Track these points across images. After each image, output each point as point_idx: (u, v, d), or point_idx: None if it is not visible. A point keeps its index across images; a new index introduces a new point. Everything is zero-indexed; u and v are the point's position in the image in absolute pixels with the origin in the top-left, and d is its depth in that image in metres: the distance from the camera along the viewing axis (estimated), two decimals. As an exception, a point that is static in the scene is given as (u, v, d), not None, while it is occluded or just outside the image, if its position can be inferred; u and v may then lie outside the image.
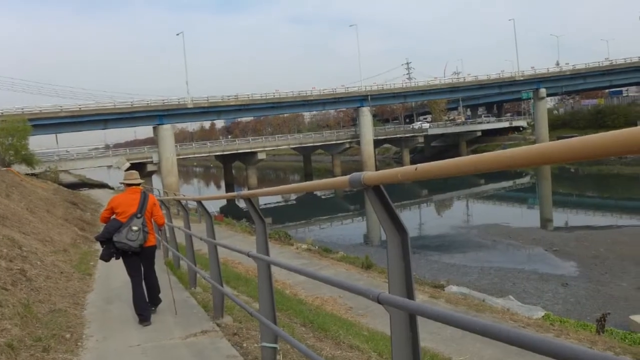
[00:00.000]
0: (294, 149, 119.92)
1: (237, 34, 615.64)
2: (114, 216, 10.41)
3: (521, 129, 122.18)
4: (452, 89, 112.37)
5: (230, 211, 52.02)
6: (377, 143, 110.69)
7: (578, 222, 43.30)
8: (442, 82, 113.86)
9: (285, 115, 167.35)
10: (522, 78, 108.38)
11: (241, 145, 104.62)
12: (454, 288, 20.37)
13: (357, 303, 15.28)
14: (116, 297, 12.41)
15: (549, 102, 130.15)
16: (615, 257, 29.06)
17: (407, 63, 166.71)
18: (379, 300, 2.99)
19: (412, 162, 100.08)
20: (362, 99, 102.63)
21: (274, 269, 6.76)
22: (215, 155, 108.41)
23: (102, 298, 12.60)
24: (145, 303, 10.46)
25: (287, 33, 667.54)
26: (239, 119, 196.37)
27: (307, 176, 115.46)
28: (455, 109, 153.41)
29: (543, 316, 16.35)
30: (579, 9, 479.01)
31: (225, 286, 11.45)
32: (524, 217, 50.13)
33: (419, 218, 54.59)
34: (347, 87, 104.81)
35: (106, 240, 10.15)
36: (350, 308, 15.33)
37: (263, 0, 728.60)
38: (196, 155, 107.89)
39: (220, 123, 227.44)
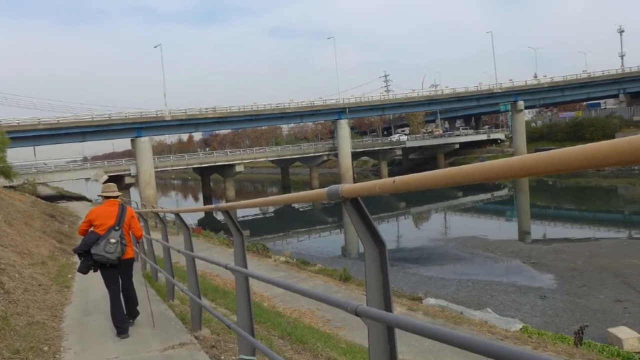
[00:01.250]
0: (272, 161, 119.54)
1: (216, 47, 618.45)
2: (92, 229, 10.38)
3: (499, 141, 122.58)
4: (430, 101, 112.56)
5: (208, 223, 52.00)
6: (355, 155, 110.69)
7: (556, 235, 43.37)
8: (420, 94, 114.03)
9: (264, 127, 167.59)
10: (500, 90, 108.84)
11: (219, 158, 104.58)
12: (431, 300, 20.39)
13: (335, 315, 15.27)
14: (94, 310, 12.37)
15: (527, 115, 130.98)
16: (593, 269, 29.16)
17: (385, 75, 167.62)
18: (356, 313, 2.99)
19: (390, 174, 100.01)
20: (340, 111, 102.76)
21: (252, 281, 6.76)
22: (193, 168, 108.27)
23: (80, 310, 12.55)
24: (123, 315, 10.43)
25: (266, 46, 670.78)
26: (217, 132, 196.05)
27: (285, 189, 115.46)
28: (433, 121, 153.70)
29: (521, 328, 16.37)
30: (557, 21, 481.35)
31: (203, 298, 11.42)
32: (502, 229, 50.28)
33: (397, 230, 54.62)
34: (325, 100, 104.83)
35: (84, 252, 10.13)
36: (329, 320, 15.31)
37: (242, 13, 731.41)
38: (174, 168, 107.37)
39: (198, 135, 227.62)
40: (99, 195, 11.66)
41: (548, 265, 31.01)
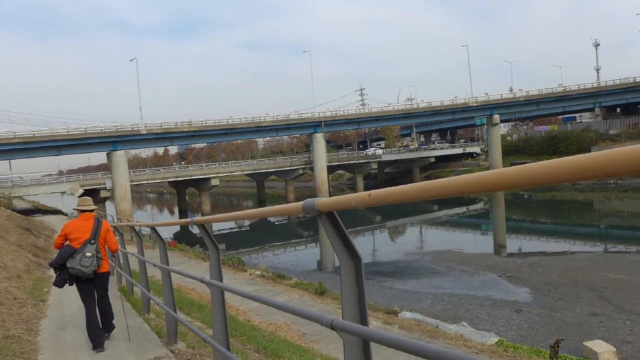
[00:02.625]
0: (247, 175, 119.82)
1: (192, 60, 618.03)
2: (67, 242, 10.37)
3: (475, 155, 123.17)
4: (406, 115, 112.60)
5: (183, 237, 51.85)
6: (331, 169, 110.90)
7: (531, 248, 43.46)
8: (396, 108, 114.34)
9: (239, 141, 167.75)
10: (475, 104, 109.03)
11: (195, 172, 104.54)
12: (407, 314, 20.39)
13: (310, 329, 15.25)
14: (70, 323, 12.35)
15: (503, 129, 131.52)
16: (568, 283, 29.24)
17: (361, 89, 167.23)
18: (332, 327, 2.99)
19: (366, 188, 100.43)
20: (315, 125, 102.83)
21: (227, 295, 6.77)
22: (169, 182, 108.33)
23: (55, 324, 12.52)
24: (99, 329, 10.41)
25: (242, 59, 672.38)
26: (193, 145, 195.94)
27: (261, 202, 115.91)
28: (409, 135, 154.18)
29: (497, 342, 16.38)
30: (533, 35, 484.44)
31: (179, 312, 11.43)
32: (477, 243, 50.34)
33: (373, 244, 54.60)
34: (301, 113, 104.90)
35: (60, 266, 10.11)
36: (304, 334, 15.27)
37: (218, 26, 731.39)
38: (150, 182, 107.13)
39: (173, 149, 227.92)
40: (74, 209, 11.63)
41: (524, 278, 31.06)
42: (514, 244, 47.51)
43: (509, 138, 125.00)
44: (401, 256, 42.69)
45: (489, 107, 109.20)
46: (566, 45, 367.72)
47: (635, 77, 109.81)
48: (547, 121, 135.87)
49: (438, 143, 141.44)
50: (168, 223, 23.79)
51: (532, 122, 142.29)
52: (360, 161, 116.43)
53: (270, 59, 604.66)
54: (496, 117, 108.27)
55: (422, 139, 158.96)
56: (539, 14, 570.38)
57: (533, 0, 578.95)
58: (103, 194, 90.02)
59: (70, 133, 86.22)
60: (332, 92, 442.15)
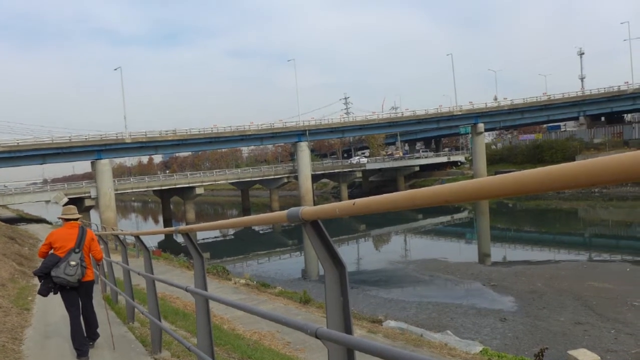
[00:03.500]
0: (232, 183, 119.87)
1: (177, 68, 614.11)
2: (52, 251, 10.35)
3: (459, 163, 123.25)
4: (390, 123, 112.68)
5: (168, 246, 51.78)
6: (315, 178, 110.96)
7: (516, 257, 43.55)
8: (380, 117, 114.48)
9: (224, 150, 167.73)
10: (460, 113, 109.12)
11: (179, 180, 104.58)
12: (392, 323, 20.37)
13: (295, 337, 15.23)
14: (54, 332, 12.35)
15: (487, 137, 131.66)
16: (553, 291, 29.27)
17: (346, 98, 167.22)
18: (317, 335, 2.99)
19: (350, 196, 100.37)
20: (300, 134, 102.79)
21: (212, 303, 6.75)
22: (153, 190, 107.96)
23: (40, 333, 12.53)
24: (84, 338, 10.39)
25: (227, 67, 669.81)
26: (178, 154, 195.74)
27: (245, 211, 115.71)
28: (393, 143, 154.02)
29: (481, 351, 16.39)
30: (517, 44, 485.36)
31: (164, 321, 11.42)
32: (462, 252, 50.35)
33: (357, 253, 54.60)
34: (285, 122, 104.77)
35: (44, 275, 10.10)
36: (289, 343, 15.25)
37: (202, 34, 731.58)
38: (134, 190, 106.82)
39: (158, 158, 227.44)
40: (59, 218, 11.53)
41: (508, 287, 31.09)
42: (498, 252, 47.58)
43: (493, 147, 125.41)
44: (386, 265, 42.68)
45: (474, 116, 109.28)
46: (551, 53, 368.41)
47: (619, 86, 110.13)
48: (531, 130, 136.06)
49: (422, 152, 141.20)
50: (152, 232, 23.78)
51: (517, 131, 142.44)
52: (344, 170, 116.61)
53: (256, 67, 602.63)
54: (480, 126, 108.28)
55: (407, 147, 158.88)
56: (524, 22, 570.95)
57: (518, 8, 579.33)
58: (87, 202, 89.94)
59: (54, 142, 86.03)
60: (317, 100, 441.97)
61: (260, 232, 78.13)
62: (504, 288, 31.02)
